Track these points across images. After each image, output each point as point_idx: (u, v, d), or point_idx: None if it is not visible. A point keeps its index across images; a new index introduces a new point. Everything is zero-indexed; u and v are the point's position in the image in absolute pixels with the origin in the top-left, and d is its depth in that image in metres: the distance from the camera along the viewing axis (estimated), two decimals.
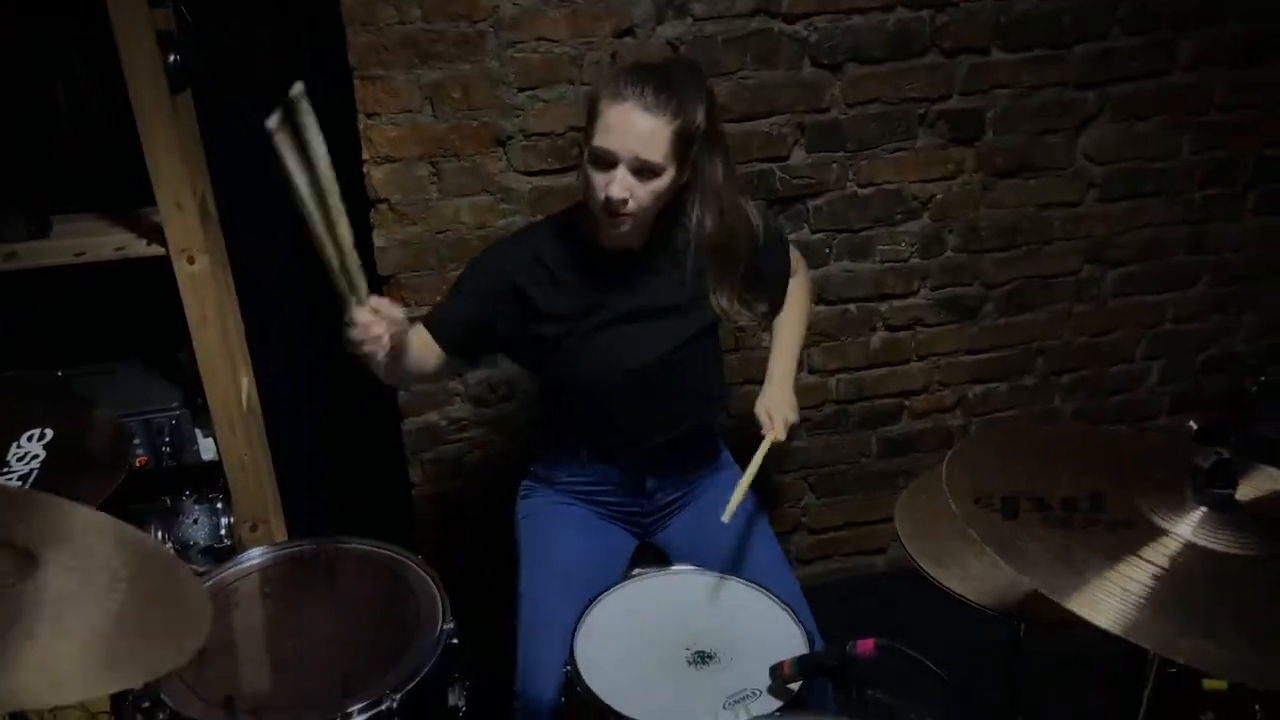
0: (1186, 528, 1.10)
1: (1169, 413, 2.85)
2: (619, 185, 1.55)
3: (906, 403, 2.62)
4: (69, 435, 1.41)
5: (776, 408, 1.78)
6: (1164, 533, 1.10)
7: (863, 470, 2.68)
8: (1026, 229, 2.48)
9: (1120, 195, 2.51)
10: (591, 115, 1.58)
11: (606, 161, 1.56)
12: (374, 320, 1.39)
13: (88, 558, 1.02)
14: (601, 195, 1.57)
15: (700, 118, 1.59)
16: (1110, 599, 1.01)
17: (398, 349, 1.48)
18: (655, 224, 1.70)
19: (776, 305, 1.89)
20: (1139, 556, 1.07)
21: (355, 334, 1.39)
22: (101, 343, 2.31)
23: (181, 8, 1.95)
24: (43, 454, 1.34)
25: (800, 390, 2.51)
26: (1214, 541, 1.09)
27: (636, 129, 1.53)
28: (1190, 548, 1.09)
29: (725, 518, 1.62)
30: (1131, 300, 2.66)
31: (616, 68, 1.63)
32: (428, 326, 1.70)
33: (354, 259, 1.32)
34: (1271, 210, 2.63)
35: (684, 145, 1.58)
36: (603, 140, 1.55)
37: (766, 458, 1.71)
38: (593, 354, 1.72)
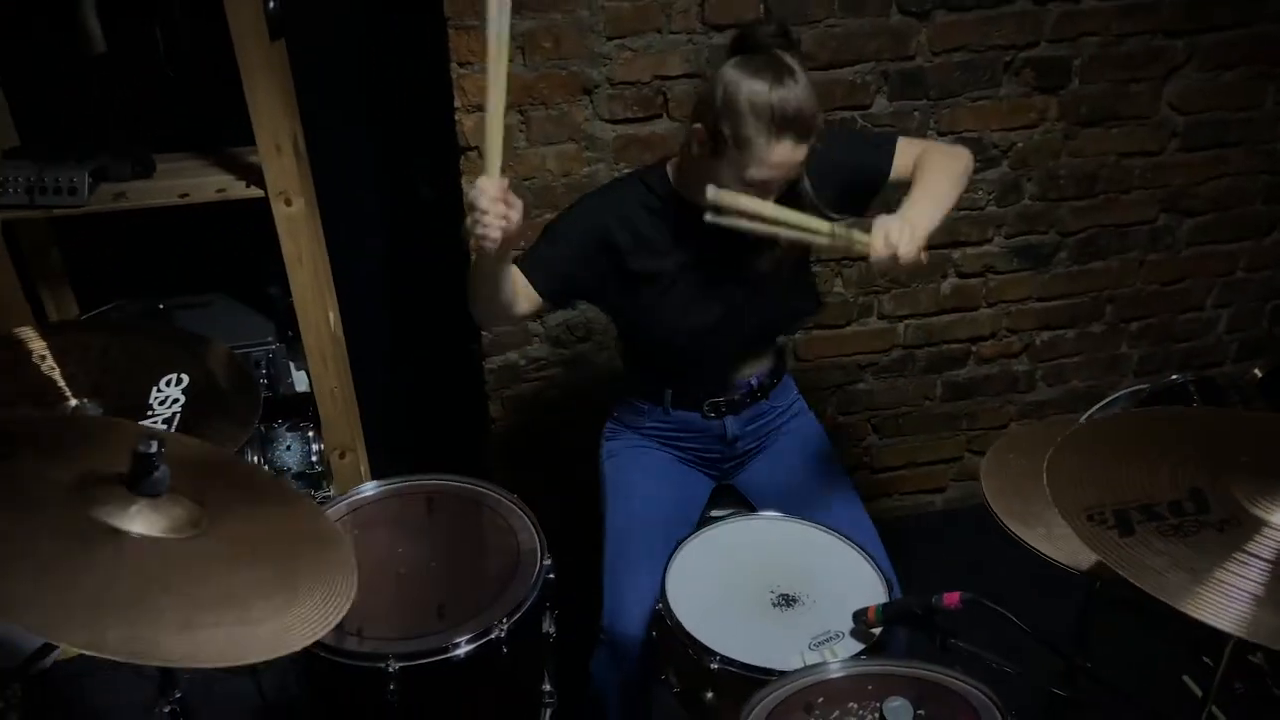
0: None
1: (1234, 359, 2.86)
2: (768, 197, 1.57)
3: (974, 348, 2.66)
4: (202, 378, 1.51)
5: (899, 230, 1.49)
6: (1270, 526, 1.10)
7: (926, 413, 2.74)
8: (1106, 177, 2.48)
9: (1202, 145, 2.49)
10: (739, 143, 1.53)
11: (760, 188, 1.56)
12: (502, 195, 1.45)
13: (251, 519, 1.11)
14: None
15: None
16: (1240, 606, 1.03)
17: (509, 243, 1.50)
18: None
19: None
20: (1253, 555, 1.07)
21: (480, 202, 1.44)
22: (196, 276, 2.41)
23: None
24: (182, 398, 1.44)
25: (868, 334, 2.60)
26: None
27: (796, 159, 1.55)
28: None
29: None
30: (1205, 249, 2.65)
31: (745, 73, 1.52)
32: (521, 268, 1.72)
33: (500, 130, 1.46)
34: None
35: None
36: (763, 175, 1.55)
37: (836, 239, 1.53)
38: (674, 308, 1.75)
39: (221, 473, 1.19)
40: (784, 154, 1.53)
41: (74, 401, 1.38)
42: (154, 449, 0.97)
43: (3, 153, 2.10)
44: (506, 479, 2.53)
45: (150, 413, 1.41)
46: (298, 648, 1.01)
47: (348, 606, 1.15)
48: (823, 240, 1.54)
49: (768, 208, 1.53)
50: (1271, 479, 1.12)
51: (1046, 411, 2.81)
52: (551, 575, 1.68)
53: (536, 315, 2.32)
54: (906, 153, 1.74)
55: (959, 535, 2.78)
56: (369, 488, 1.80)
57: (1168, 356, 2.80)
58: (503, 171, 1.46)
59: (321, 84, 2.24)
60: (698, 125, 1.59)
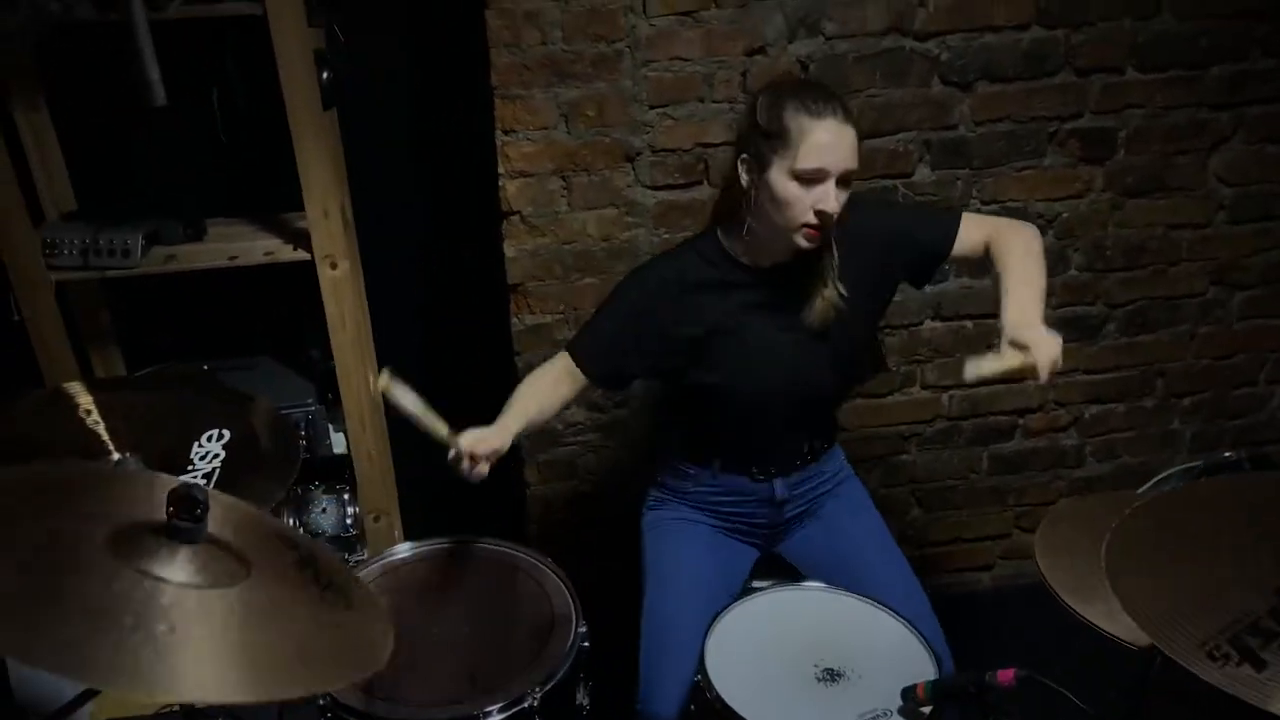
0: None
1: None
2: (834, 199, 1.55)
3: (1020, 421, 2.60)
4: (242, 433, 1.51)
5: (1035, 334, 1.51)
6: None
7: (972, 486, 2.67)
8: (1153, 249, 2.44)
9: (1250, 217, 2.45)
10: (782, 138, 1.56)
11: (816, 179, 1.55)
12: (472, 465, 1.64)
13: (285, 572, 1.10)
14: (809, 212, 1.56)
15: None
16: None
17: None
18: None
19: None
20: None
21: (463, 476, 1.66)
22: (241, 338, 2.44)
23: (335, 27, 2.04)
24: (222, 453, 1.44)
25: (912, 405, 2.55)
26: None
27: (845, 141, 1.56)
28: None
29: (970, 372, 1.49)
30: (1257, 323, 2.59)
31: (775, 90, 1.61)
32: (574, 357, 1.73)
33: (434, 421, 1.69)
34: None
35: None
36: (814, 159, 1.54)
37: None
38: (733, 369, 1.72)
39: (258, 530, 1.17)
40: (829, 133, 1.54)
41: (117, 455, 1.38)
42: (199, 495, 0.96)
43: (61, 216, 2.15)
44: (543, 545, 2.52)
45: (190, 467, 1.40)
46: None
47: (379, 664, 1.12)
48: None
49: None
50: None
51: (1096, 488, 2.73)
52: (586, 644, 1.63)
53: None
54: (972, 230, 1.73)
55: (1009, 614, 2.68)
56: (403, 549, 1.78)
57: (1221, 433, 2.72)
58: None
59: (371, 151, 2.28)
60: (743, 154, 1.63)
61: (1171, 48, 2.22)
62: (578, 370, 1.74)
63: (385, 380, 1.68)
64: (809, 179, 1.56)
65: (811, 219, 1.58)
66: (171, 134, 2.17)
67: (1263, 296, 2.56)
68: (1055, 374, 1.48)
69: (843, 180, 1.58)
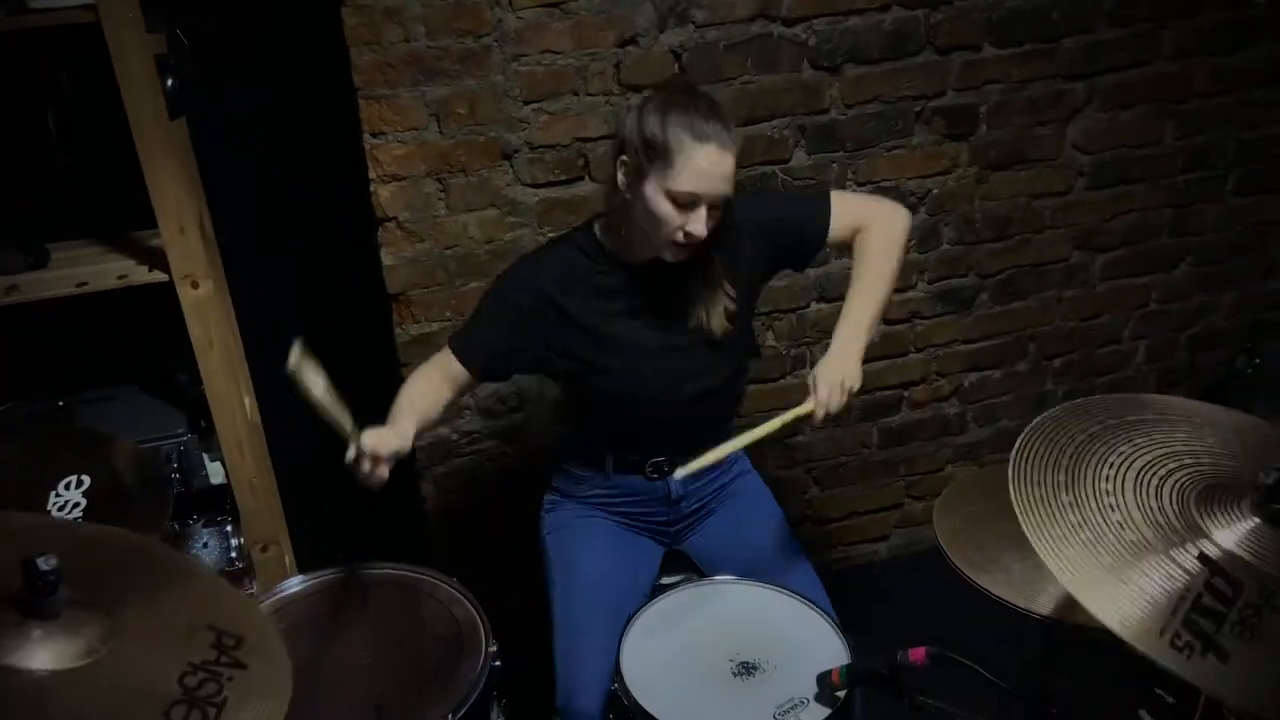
0: None
1: (1155, 390, 2.92)
2: (703, 224, 1.56)
3: (906, 394, 2.67)
4: (104, 476, 1.40)
5: (827, 374, 1.62)
6: None
7: (864, 461, 2.73)
8: (1018, 219, 2.53)
9: (1107, 183, 2.57)
10: (662, 154, 1.53)
11: (689, 203, 1.55)
12: (373, 467, 1.52)
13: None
14: (679, 232, 1.57)
15: None
16: None
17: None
18: None
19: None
20: None
21: (362, 480, 1.55)
22: (99, 369, 2.28)
23: (177, 31, 1.91)
24: (84, 501, 1.33)
25: (802, 387, 2.52)
26: None
27: (722, 170, 1.54)
28: None
29: (678, 474, 1.60)
30: (1119, 283, 2.72)
31: (664, 101, 1.57)
32: (457, 354, 1.69)
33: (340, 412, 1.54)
34: (1250, 191, 2.70)
35: None
36: (689, 184, 1.53)
37: (784, 427, 1.61)
38: (623, 373, 1.71)
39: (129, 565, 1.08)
40: (709, 159, 1.53)
41: None
42: (51, 566, 0.87)
43: None
44: (444, 561, 2.45)
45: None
46: None
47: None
48: (772, 433, 1.60)
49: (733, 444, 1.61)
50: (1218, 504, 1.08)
51: (980, 453, 2.83)
52: (498, 663, 1.58)
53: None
54: (844, 212, 1.76)
55: (907, 582, 2.76)
56: (294, 583, 1.69)
57: (1091, 391, 2.85)
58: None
59: (229, 160, 2.16)
60: (622, 156, 1.60)
61: (1025, 22, 2.30)
62: (461, 368, 1.70)
63: (296, 357, 1.49)
64: (683, 202, 1.55)
65: (680, 238, 1.58)
66: (5, 155, 2.00)
67: (1122, 258, 2.69)
68: (828, 418, 1.62)
69: (714, 206, 1.57)
